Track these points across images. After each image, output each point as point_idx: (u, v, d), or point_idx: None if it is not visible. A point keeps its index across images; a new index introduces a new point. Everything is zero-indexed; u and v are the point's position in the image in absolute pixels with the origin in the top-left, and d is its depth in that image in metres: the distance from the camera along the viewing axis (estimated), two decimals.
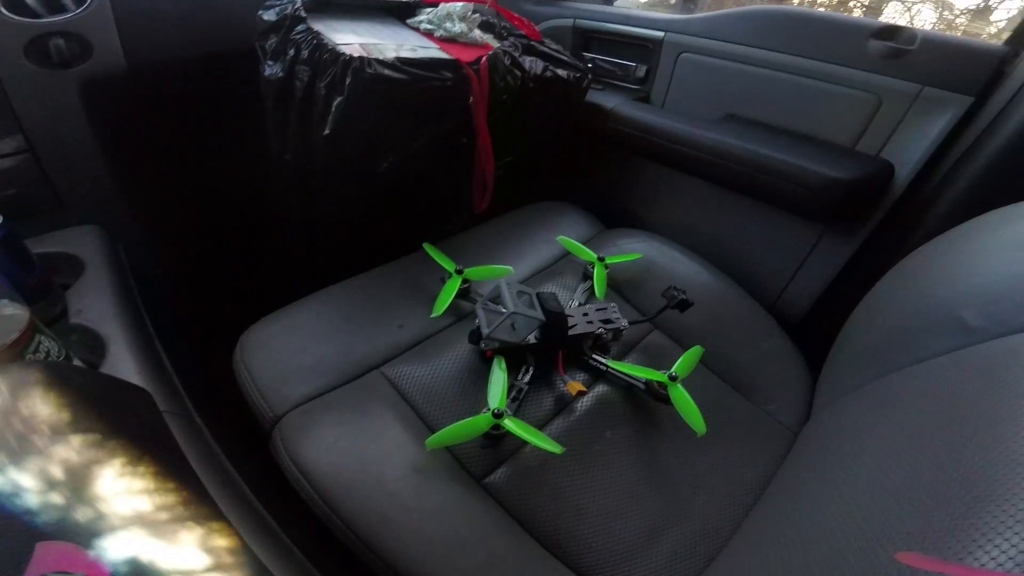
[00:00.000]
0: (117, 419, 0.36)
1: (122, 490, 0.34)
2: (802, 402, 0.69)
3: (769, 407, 0.68)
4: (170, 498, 0.36)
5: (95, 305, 0.53)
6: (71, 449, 0.34)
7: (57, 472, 0.33)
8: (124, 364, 0.47)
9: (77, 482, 0.33)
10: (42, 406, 0.35)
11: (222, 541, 0.35)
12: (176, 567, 0.31)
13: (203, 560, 0.33)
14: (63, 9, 0.66)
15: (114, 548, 0.30)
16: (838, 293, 0.85)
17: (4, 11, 0.62)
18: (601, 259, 0.78)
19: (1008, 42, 0.72)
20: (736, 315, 0.78)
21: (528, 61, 0.80)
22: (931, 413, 0.40)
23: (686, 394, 0.58)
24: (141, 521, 0.33)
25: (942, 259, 0.57)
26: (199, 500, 0.36)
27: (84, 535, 0.29)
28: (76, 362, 0.44)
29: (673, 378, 0.59)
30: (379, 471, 0.49)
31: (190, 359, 0.62)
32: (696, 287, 0.77)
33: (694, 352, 0.65)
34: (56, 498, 0.31)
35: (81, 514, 0.31)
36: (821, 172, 0.77)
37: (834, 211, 0.80)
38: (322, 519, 0.46)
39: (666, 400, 0.59)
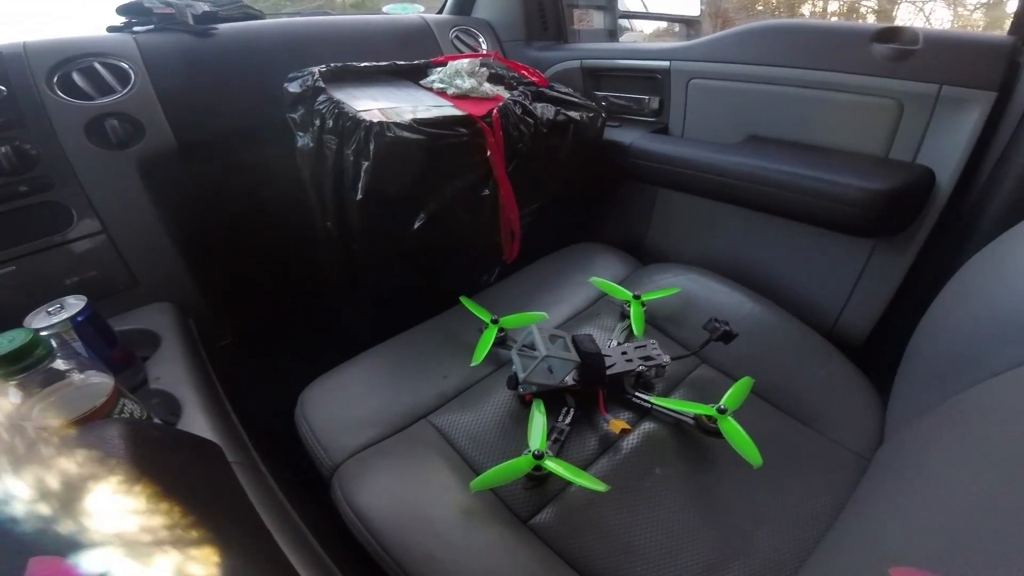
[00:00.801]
0: (189, 467, 0.46)
1: (190, 532, 0.43)
2: (872, 427, 0.73)
3: (835, 435, 0.72)
4: (233, 541, 0.44)
5: (170, 372, 0.67)
6: (145, 496, 0.43)
7: (132, 518, 0.41)
8: (197, 422, 0.60)
9: (146, 527, 0.41)
10: (120, 456, 0.44)
11: None
12: None
13: None
14: (113, 91, 0.83)
15: None
16: (900, 310, 0.90)
17: (61, 94, 0.79)
18: (637, 297, 0.87)
19: (1012, 31, 0.80)
20: (787, 342, 0.84)
21: (539, 107, 0.94)
22: (1009, 428, 0.42)
23: (737, 426, 0.64)
24: (206, 561, 0.41)
25: (1001, 264, 0.61)
26: (260, 541, 0.45)
27: None
28: (156, 421, 0.56)
29: (722, 411, 0.65)
30: (428, 513, 0.57)
31: (257, 416, 0.74)
32: (740, 317, 0.85)
33: (743, 383, 0.71)
34: (128, 544, 0.40)
35: (149, 556, 0.39)
36: (859, 185, 0.84)
37: (879, 224, 0.87)
38: (376, 561, 0.55)
39: (716, 434, 0.65)
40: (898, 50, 0.83)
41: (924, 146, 0.85)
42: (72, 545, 0.34)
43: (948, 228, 0.85)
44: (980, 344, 0.55)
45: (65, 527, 0.35)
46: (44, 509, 0.36)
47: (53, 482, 0.39)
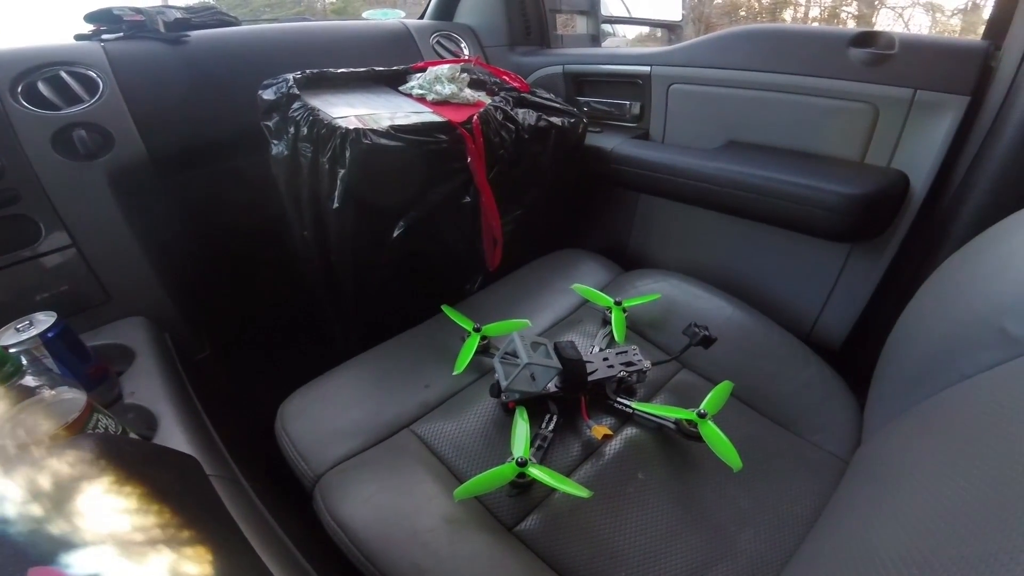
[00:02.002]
0: (164, 481, 0.45)
1: (169, 547, 0.42)
2: (851, 429, 0.75)
3: (814, 437, 0.74)
4: (214, 554, 0.44)
5: (146, 387, 0.67)
6: (120, 509, 0.43)
7: (104, 530, 0.41)
8: (174, 436, 0.60)
9: (124, 540, 0.41)
10: (94, 471, 0.44)
11: None
12: None
13: None
14: (80, 101, 0.81)
15: None
16: (877, 314, 0.92)
17: (26, 104, 0.77)
18: (618, 303, 0.87)
19: (986, 36, 0.82)
20: (766, 347, 0.86)
21: (521, 113, 0.95)
22: (982, 430, 0.43)
23: (717, 430, 0.65)
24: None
25: (973, 268, 0.63)
26: (241, 554, 0.44)
27: None
28: (132, 435, 0.55)
29: (702, 415, 0.67)
30: (412, 523, 0.57)
31: (237, 429, 0.74)
32: (720, 322, 0.86)
33: (723, 387, 0.72)
34: (107, 557, 0.39)
35: (129, 570, 0.39)
36: (834, 190, 0.86)
37: (855, 229, 0.89)
38: (361, 572, 0.54)
39: (697, 438, 0.66)
40: (874, 55, 0.84)
41: (899, 150, 0.87)
42: (50, 557, 0.34)
43: (922, 232, 0.87)
44: (954, 347, 0.56)
45: (43, 541, 0.35)
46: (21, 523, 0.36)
47: (27, 496, 0.39)
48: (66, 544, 0.36)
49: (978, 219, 0.76)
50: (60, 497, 0.41)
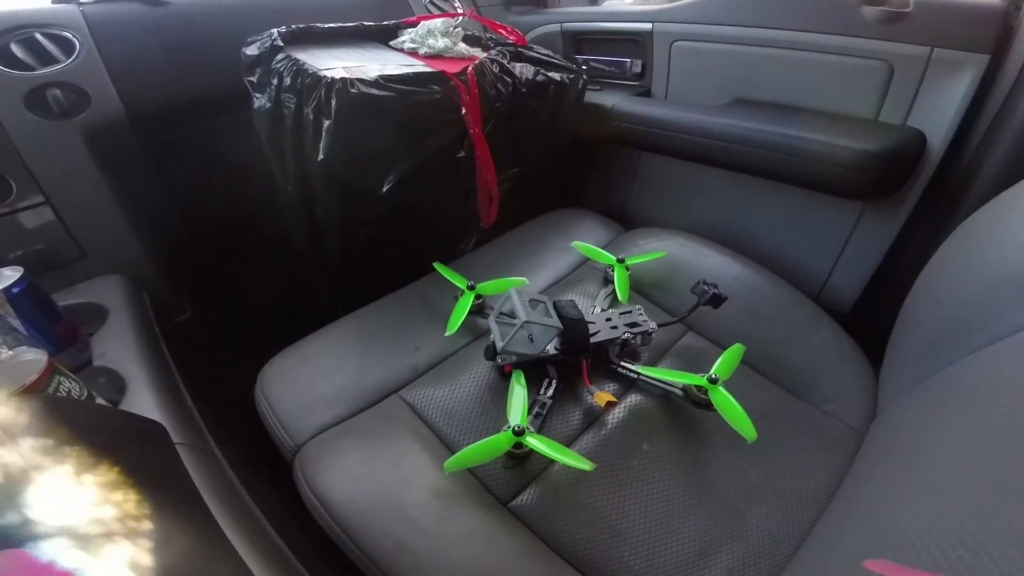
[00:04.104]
0: (121, 450, 0.40)
1: (120, 522, 0.37)
2: (866, 398, 0.70)
3: (828, 407, 0.69)
4: (170, 531, 0.39)
5: (116, 348, 0.62)
6: (66, 479, 0.38)
7: (45, 502, 0.36)
8: (143, 400, 0.55)
9: (68, 514, 0.36)
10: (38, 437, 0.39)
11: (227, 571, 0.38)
12: None
13: None
14: (56, 62, 0.77)
15: None
16: (889, 276, 0.87)
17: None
18: (621, 260, 0.81)
19: None
20: (778, 308, 0.80)
21: (518, 67, 0.88)
22: (1007, 399, 0.40)
23: (730, 397, 0.59)
24: (136, 554, 0.36)
25: (995, 228, 0.59)
26: (203, 530, 0.39)
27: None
28: (100, 400, 0.50)
29: (713, 380, 0.61)
30: (398, 497, 0.51)
31: (217, 396, 0.70)
32: (729, 281, 0.81)
33: (734, 351, 0.66)
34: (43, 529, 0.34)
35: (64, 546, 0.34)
36: (849, 146, 0.81)
37: (869, 186, 0.83)
38: (342, 549, 0.49)
39: (708, 406, 0.60)
40: (889, 12, 0.80)
41: (915, 109, 0.83)
42: None
43: (939, 191, 0.82)
44: (978, 309, 0.52)
45: None
46: None
47: None
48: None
49: (1000, 178, 0.72)
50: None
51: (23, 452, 0.37)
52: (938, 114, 0.80)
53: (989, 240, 0.58)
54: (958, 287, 0.59)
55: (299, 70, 0.72)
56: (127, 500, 0.38)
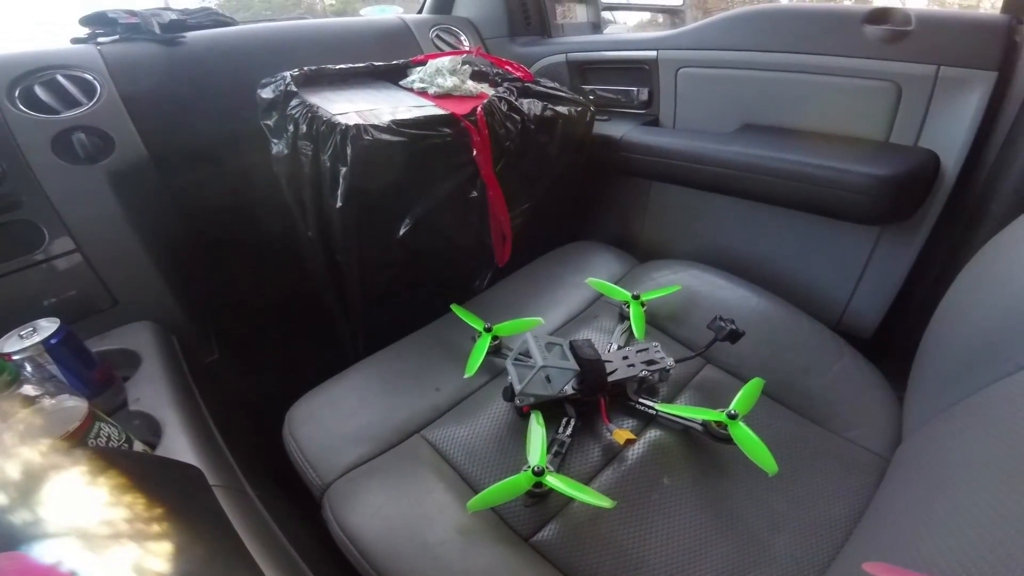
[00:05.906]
0: (164, 495, 0.42)
1: (167, 563, 0.39)
2: (889, 424, 0.70)
3: (850, 434, 0.69)
4: (215, 570, 0.40)
5: (151, 393, 0.65)
6: (119, 525, 0.39)
7: (101, 546, 0.38)
8: (179, 444, 0.57)
9: (122, 556, 0.37)
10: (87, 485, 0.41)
11: None
12: None
13: None
14: (78, 104, 0.79)
15: None
16: (910, 301, 0.87)
17: (24, 109, 0.75)
18: (636, 297, 0.82)
19: (1005, 9, 0.78)
20: (796, 338, 0.80)
21: (526, 103, 0.90)
22: None
23: (749, 432, 0.60)
24: None
25: (1017, 253, 0.59)
26: (245, 569, 0.41)
27: None
28: (137, 444, 0.53)
29: (732, 416, 0.61)
30: (423, 534, 0.54)
31: (245, 435, 0.72)
32: (746, 313, 0.81)
33: (754, 385, 0.67)
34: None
35: None
36: (862, 171, 0.81)
37: (885, 211, 0.84)
38: None
39: (727, 440, 0.61)
40: (891, 31, 0.81)
41: (926, 129, 0.83)
42: None
43: (957, 213, 0.82)
44: (1002, 336, 0.51)
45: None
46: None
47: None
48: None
49: (1018, 196, 0.72)
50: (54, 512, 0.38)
51: (76, 502, 0.39)
52: (950, 134, 0.80)
53: (1010, 266, 0.58)
54: (981, 313, 0.59)
55: (314, 116, 0.76)
56: (170, 542, 0.40)
